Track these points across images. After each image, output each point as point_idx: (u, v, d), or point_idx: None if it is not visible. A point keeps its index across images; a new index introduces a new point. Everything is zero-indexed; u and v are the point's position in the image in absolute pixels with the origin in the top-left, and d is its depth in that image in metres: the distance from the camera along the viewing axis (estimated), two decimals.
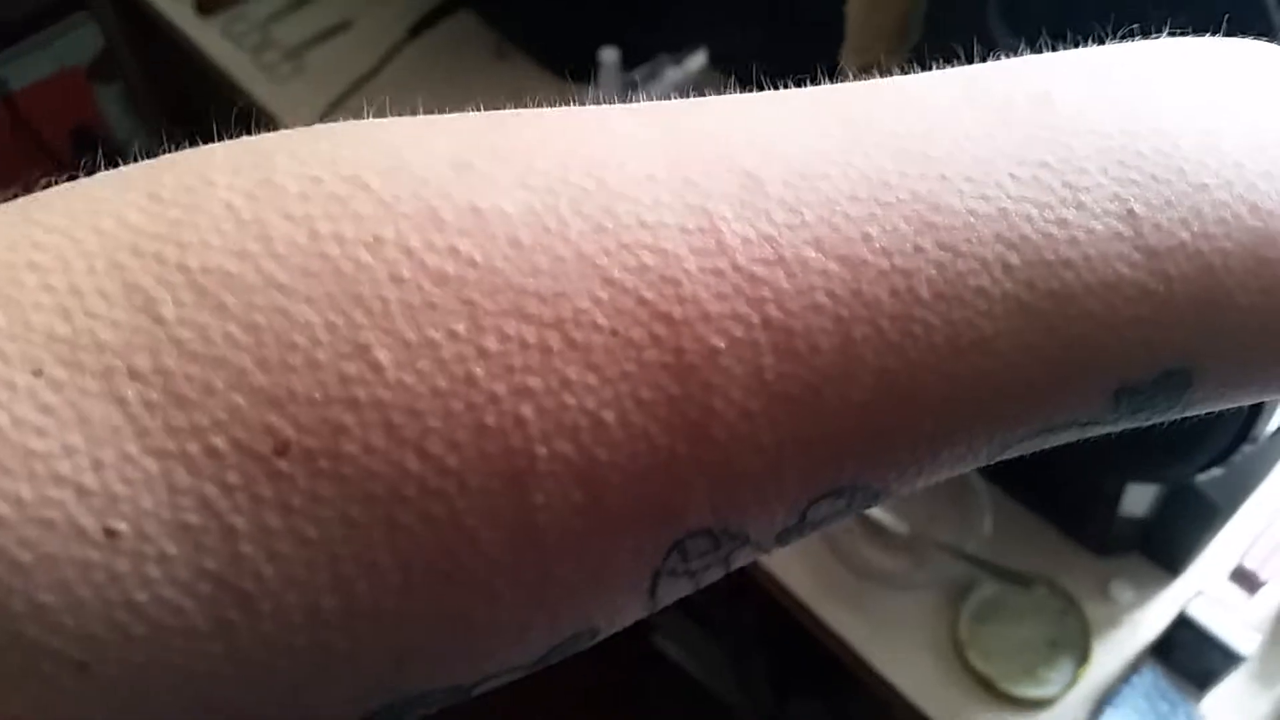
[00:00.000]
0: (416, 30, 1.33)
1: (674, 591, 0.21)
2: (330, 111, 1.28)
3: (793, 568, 0.97)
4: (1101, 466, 0.85)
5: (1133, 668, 0.92)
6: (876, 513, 0.97)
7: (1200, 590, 0.93)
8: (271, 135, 0.20)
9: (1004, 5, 0.75)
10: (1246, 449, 0.75)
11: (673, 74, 1.19)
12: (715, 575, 0.21)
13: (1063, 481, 0.93)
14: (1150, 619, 0.94)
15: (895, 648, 0.94)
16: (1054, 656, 0.93)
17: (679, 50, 1.21)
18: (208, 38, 1.39)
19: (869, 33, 0.70)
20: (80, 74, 2.04)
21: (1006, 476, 0.98)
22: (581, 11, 1.23)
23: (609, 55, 1.14)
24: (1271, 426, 0.76)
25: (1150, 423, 0.23)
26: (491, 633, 0.19)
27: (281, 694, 0.18)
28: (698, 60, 1.20)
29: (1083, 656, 0.92)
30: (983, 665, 0.92)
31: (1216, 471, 0.79)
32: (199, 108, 1.62)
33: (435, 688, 0.20)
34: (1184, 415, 0.24)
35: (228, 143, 0.20)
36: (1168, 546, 0.95)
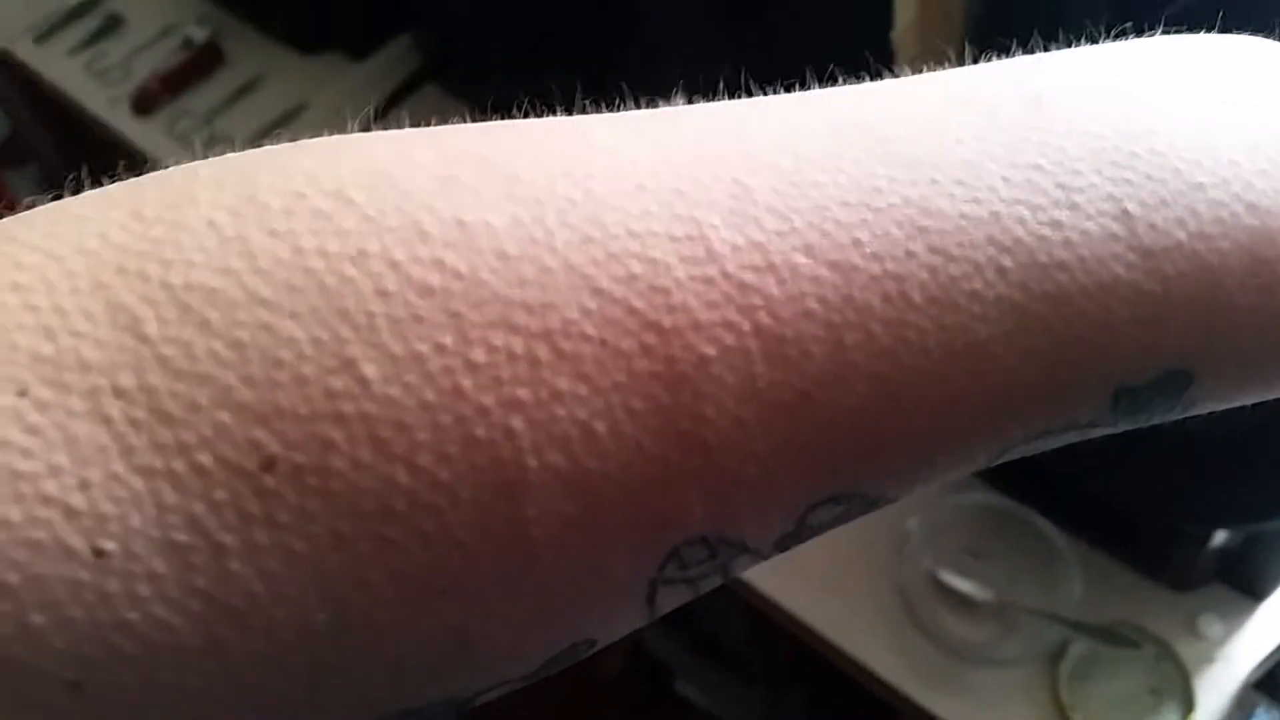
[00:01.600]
0: (382, 112, 1.26)
1: (673, 600, 0.21)
2: None
3: (879, 651, 0.94)
4: (1196, 512, 0.83)
5: (1239, 705, 0.90)
6: (958, 582, 0.94)
7: None
8: (255, 151, 0.20)
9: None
10: None
11: None
12: (714, 583, 0.21)
13: (1146, 525, 0.91)
14: (1244, 650, 0.93)
15: None
16: (1159, 705, 0.91)
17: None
18: (150, 140, 1.31)
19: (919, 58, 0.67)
20: None
21: (1085, 524, 0.96)
22: (553, 71, 1.18)
23: None
24: None
25: (1150, 424, 0.23)
26: (487, 645, 0.19)
27: (276, 711, 0.18)
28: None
29: (1186, 700, 0.90)
30: None
31: None
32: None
33: (432, 701, 0.20)
34: (1184, 415, 0.24)
35: (210, 160, 0.20)
36: (1248, 574, 0.93)
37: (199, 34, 1.36)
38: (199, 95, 1.34)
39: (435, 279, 0.18)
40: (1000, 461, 0.23)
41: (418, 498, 0.17)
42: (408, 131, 0.21)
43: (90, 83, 1.36)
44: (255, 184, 0.19)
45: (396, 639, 0.18)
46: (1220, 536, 0.87)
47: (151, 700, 0.17)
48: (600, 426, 0.18)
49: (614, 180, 0.20)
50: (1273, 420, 0.72)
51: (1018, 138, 0.21)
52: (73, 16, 1.41)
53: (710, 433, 0.19)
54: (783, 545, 0.21)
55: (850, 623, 0.96)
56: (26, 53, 1.39)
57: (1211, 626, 0.94)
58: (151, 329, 0.17)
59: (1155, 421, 0.23)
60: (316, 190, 0.18)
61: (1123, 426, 0.23)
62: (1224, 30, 0.26)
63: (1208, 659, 0.93)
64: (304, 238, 0.18)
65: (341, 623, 0.18)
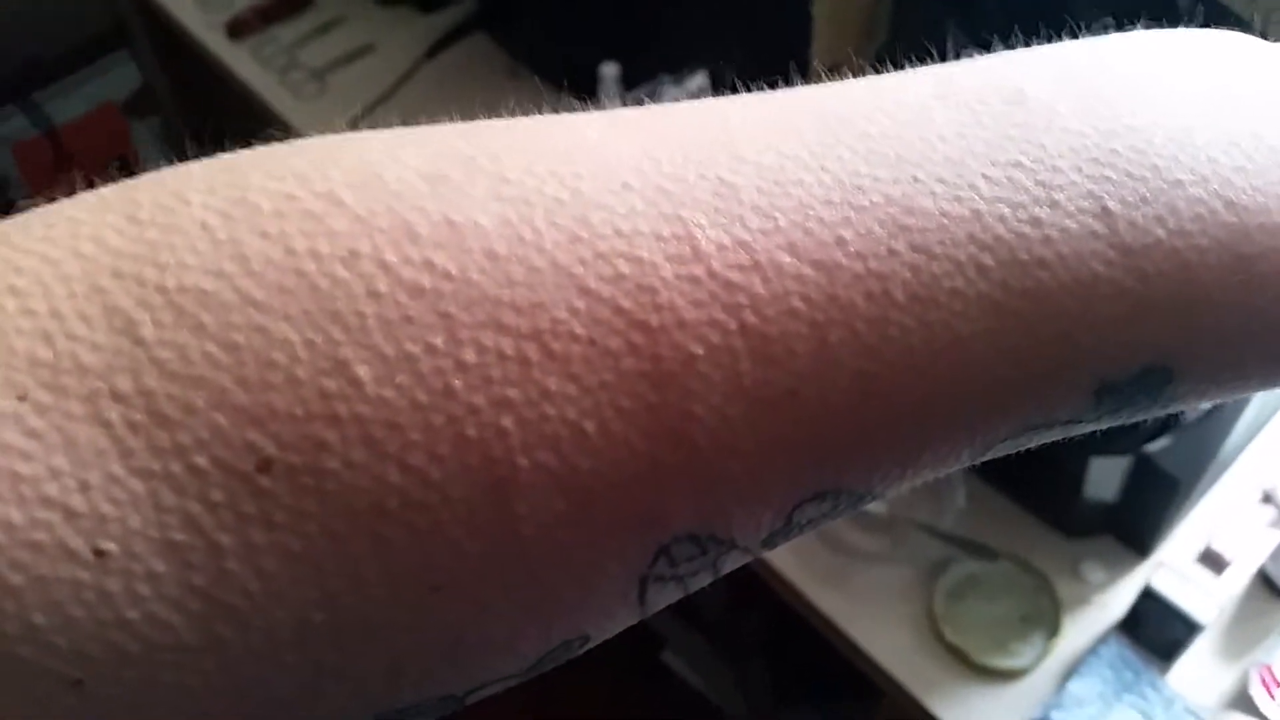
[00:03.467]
0: (433, 52, 1.41)
1: (663, 597, 0.21)
2: (353, 128, 1.35)
3: (779, 550, 1.02)
4: (1060, 443, 0.90)
5: (1101, 641, 0.96)
6: None
7: (1162, 563, 0.97)
8: (246, 152, 0.20)
9: (962, 9, 0.81)
10: (1188, 415, 0.79)
11: (673, 93, 1.25)
12: (704, 580, 0.21)
13: (1030, 462, 0.97)
14: (1120, 598, 0.99)
15: (875, 623, 0.99)
16: (1026, 631, 0.97)
17: (679, 71, 1.28)
18: (238, 61, 1.48)
19: (834, 30, 0.76)
20: (117, 110, 2.13)
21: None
22: (585, 31, 1.31)
23: (609, 70, 1.21)
24: None
25: (1133, 420, 0.23)
26: (481, 643, 0.19)
27: (274, 707, 0.18)
28: (697, 81, 1.27)
29: (1053, 631, 0.96)
30: (956, 638, 0.96)
31: (1166, 441, 0.83)
32: (233, 136, 1.70)
33: (427, 698, 0.20)
34: (1166, 411, 0.24)
35: (204, 160, 0.20)
36: (1136, 527, 0.99)
37: None
38: (286, 28, 1.51)
39: (426, 280, 0.18)
40: (986, 458, 0.23)
41: (410, 496, 0.18)
42: (398, 131, 0.21)
43: (196, 10, 1.53)
44: (246, 185, 0.19)
45: (392, 636, 0.18)
46: (1102, 475, 0.94)
47: (152, 698, 0.17)
48: (589, 425, 0.18)
49: (601, 179, 0.20)
50: None
51: (999, 135, 0.21)
52: None
53: (698, 430, 0.19)
54: (771, 542, 0.21)
55: None
56: None
57: (1094, 573, 1.00)
58: (148, 332, 0.17)
59: (1139, 417, 0.23)
60: (307, 191, 0.19)
61: (1105, 423, 0.23)
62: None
63: (1084, 600, 0.99)
64: (295, 239, 0.18)
65: (338, 621, 0.18)
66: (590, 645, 0.21)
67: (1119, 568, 1.00)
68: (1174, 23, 0.26)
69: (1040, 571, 0.99)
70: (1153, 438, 0.82)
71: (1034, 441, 0.23)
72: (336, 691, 0.19)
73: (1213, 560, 1.00)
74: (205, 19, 1.51)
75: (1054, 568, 1.00)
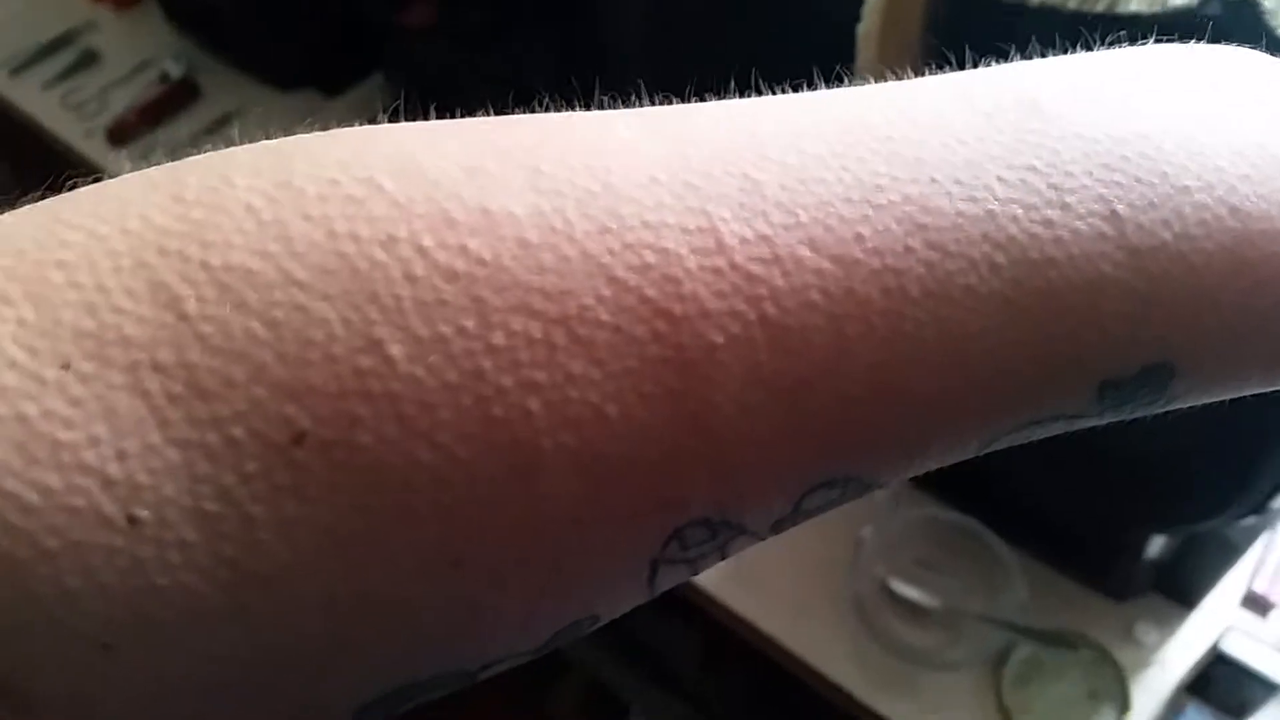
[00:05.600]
0: None
1: (672, 579, 0.21)
2: None
3: (833, 657, 0.98)
4: (1134, 521, 0.88)
5: (1171, 707, 0.95)
6: (908, 590, 0.99)
7: (1230, 626, 0.96)
8: (289, 140, 0.21)
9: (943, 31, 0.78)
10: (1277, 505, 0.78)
11: None
12: (712, 562, 0.22)
13: (1087, 536, 0.96)
14: (1177, 655, 0.97)
15: None
16: (1097, 707, 0.95)
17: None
18: (125, 170, 1.34)
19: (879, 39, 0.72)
20: None
21: (1029, 536, 1.00)
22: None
23: None
24: None
25: (1134, 416, 0.24)
26: (498, 618, 0.20)
27: (297, 675, 0.19)
28: None
29: (1123, 703, 0.95)
30: None
31: (1251, 520, 0.82)
32: None
33: (443, 671, 0.20)
34: (1166, 408, 0.25)
35: (248, 145, 0.20)
36: (1184, 584, 0.98)
37: (175, 69, 1.41)
38: (175, 127, 1.38)
39: (460, 264, 0.19)
40: (990, 449, 0.23)
41: (438, 473, 0.18)
42: (434, 124, 0.21)
43: (66, 115, 1.39)
44: (291, 170, 0.19)
45: (412, 610, 0.19)
46: (1156, 544, 0.92)
47: (178, 663, 0.17)
48: (612, 409, 0.19)
49: (631, 173, 0.20)
50: (1199, 432, 0.77)
51: (1014, 140, 0.22)
52: (48, 51, 1.45)
53: (716, 416, 0.20)
54: (779, 527, 0.22)
55: (805, 630, 1.00)
56: (2, 84, 1.42)
57: (1148, 634, 0.99)
58: (191, 307, 0.18)
59: (1139, 414, 0.24)
60: (349, 177, 0.19)
61: (1108, 418, 0.24)
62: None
63: (1143, 664, 0.97)
64: (337, 222, 0.19)
65: (363, 592, 0.18)
66: (599, 624, 0.22)
67: (1169, 624, 0.99)
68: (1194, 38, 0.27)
69: (1098, 643, 0.97)
70: (1242, 517, 0.80)
71: (1037, 435, 0.24)
72: (357, 660, 0.19)
73: (1256, 603, 0.99)
74: (82, 127, 1.37)
75: (1107, 635, 0.98)
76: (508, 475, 0.18)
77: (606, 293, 0.19)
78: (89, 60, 1.44)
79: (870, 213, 0.21)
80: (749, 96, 0.24)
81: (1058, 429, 0.23)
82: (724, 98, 0.24)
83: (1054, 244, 0.21)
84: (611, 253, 0.19)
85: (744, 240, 0.20)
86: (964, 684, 0.97)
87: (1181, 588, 0.99)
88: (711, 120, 0.22)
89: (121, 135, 1.35)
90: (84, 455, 0.16)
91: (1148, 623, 0.99)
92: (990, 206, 0.21)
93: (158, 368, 0.17)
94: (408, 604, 0.19)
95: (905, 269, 0.20)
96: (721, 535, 0.21)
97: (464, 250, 0.19)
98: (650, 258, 0.19)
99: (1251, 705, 0.92)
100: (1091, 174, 0.22)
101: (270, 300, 0.18)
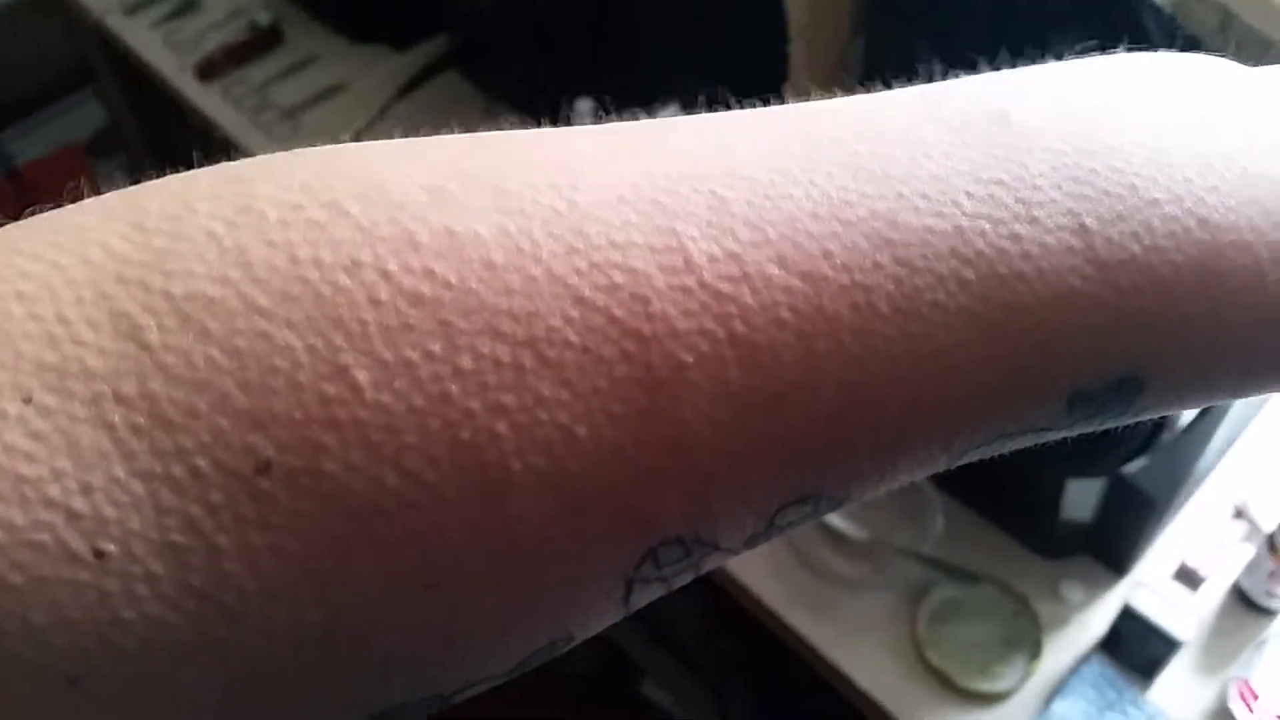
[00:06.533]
0: (405, 91, 1.42)
1: (646, 597, 0.21)
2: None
3: (762, 577, 1.03)
4: (1038, 464, 0.91)
5: (1083, 661, 0.97)
6: (837, 521, 1.03)
7: (1141, 583, 0.98)
8: (251, 161, 0.20)
9: (934, 38, 0.83)
10: (1166, 436, 0.81)
11: None
12: (686, 579, 0.22)
13: (1007, 485, 0.99)
14: (1099, 617, 1.00)
15: (858, 648, 1.00)
16: (1008, 653, 0.98)
17: (653, 106, 1.29)
18: (209, 103, 1.48)
19: (809, 64, 0.78)
20: (80, 151, 2.13)
21: (957, 483, 1.04)
22: (558, 67, 1.32)
23: (583, 106, 1.23)
24: (1187, 415, 0.83)
25: (1104, 427, 0.24)
26: (472, 641, 0.20)
27: (268, 707, 0.19)
28: (669, 112, 1.29)
29: (1035, 652, 0.98)
30: (940, 662, 0.97)
31: (1142, 461, 0.85)
32: None
33: (417, 696, 0.20)
34: (1136, 420, 0.24)
35: (209, 169, 0.20)
36: (1113, 547, 1.01)
37: (264, 17, 1.54)
38: (257, 68, 1.51)
39: (425, 288, 0.18)
40: (960, 463, 0.24)
41: (406, 498, 0.18)
42: (399, 142, 0.21)
43: (165, 52, 1.54)
44: (253, 194, 0.19)
45: (385, 635, 0.19)
46: (1077, 497, 0.95)
47: (148, 695, 0.17)
48: (581, 430, 0.19)
49: (597, 192, 0.20)
50: None
51: (983, 154, 0.22)
52: None
53: (687, 435, 0.20)
54: (752, 543, 0.22)
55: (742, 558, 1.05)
56: (116, 24, 1.58)
57: (1073, 593, 1.02)
58: (153, 337, 0.17)
59: (1109, 425, 0.24)
60: (312, 201, 0.19)
61: (1077, 430, 0.24)
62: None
63: (1063, 620, 1.00)
64: (300, 248, 0.18)
65: (333, 620, 0.18)
66: (573, 644, 0.22)
67: (1097, 587, 1.02)
68: (1149, 48, 0.27)
69: (1020, 593, 1.01)
70: (1129, 459, 0.83)
71: (1007, 447, 0.24)
72: (330, 688, 0.19)
73: (1188, 577, 1.01)
74: (175, 61, 1.52)
75: (1034, 589, 1.01)
76: (477, 498, 0.18)
77: (574, 313, 0.19)
78: (191, 6, 1.59)
79: (839, 229, 0.21)
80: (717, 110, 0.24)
81: (1027, 441, 0.24)
82: (691, 112, 0.24)
83: (1022, 258, 0.21)
84: (579, 273, 0.19)
85: (712, 258, 0.20)
86: (882, 614, 1.01)
87: (1112, 552, 1.01)
88: (679, 136, 0.22)
89: (209, 72, 1.49)
90: (48, 489, 0.16)
91: (1074, 581, 1.02)
92: (958, 221, 0.21)
93: (120, 399, 0.17)
94: (380, 630, 0.19)
95: (874, 285, 0.21)
96: (696, 553, 0.21)
97: (429, 273, 0.19)
98: (618, 277, 0.19)
99: (1157, 663, 0.94)
100: (1060, 187, 0.22)
101: (232, 328, 0.18)
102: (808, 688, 1.07)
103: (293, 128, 1.43)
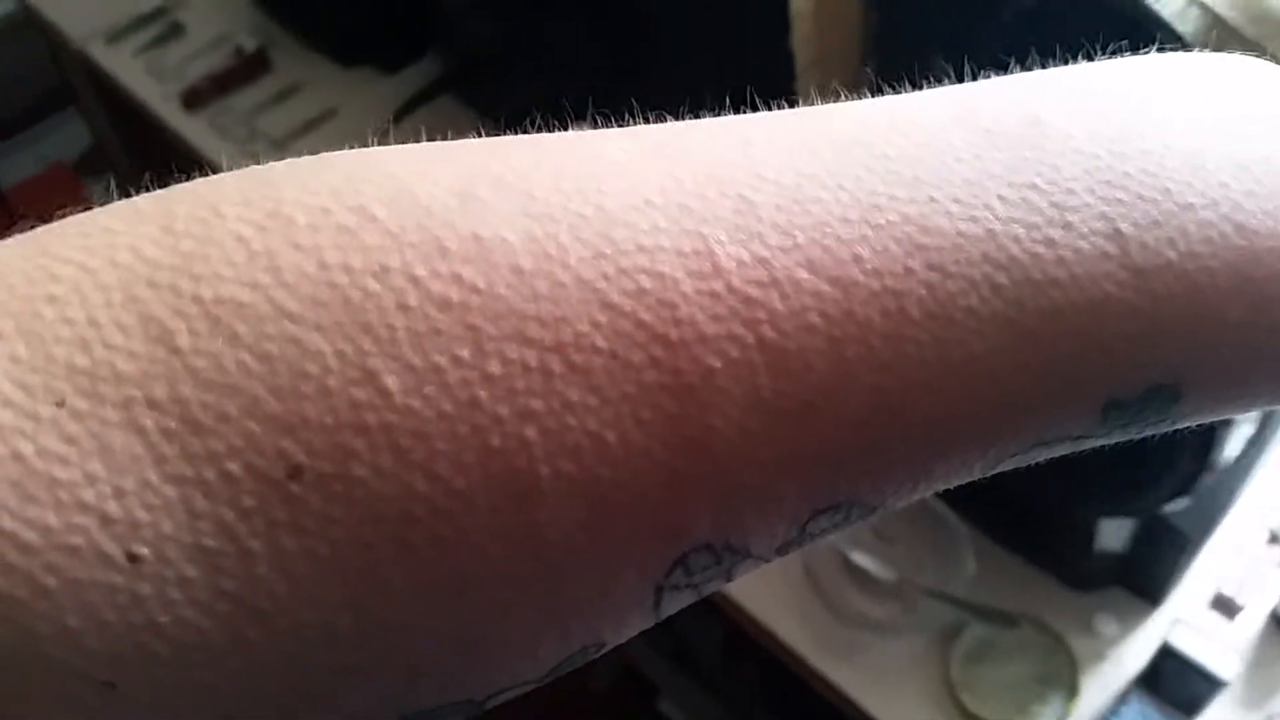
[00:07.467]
0: (399, 116, 1.38)
1: (677, 603, 0.21)
2: None
3: (786, 622, 1.00)
4: (1073, 503, 0.88)
5: (1120, 699, 0.95)
6: (863, 561, 1.01)
7: (1180, 619, 0.96)
8: (279, 165, 0.20)
9: (949, 57, 0.80)
10: (1207, 478, 0.78)
11: None
12: (717, 586, 0.22)
13: (1039, 521, 0.97)
14: (1134, 650, 0.97)
15: (890, 694, 0.97)
16: (1044, 693, 0.96)
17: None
18: (195, 133, 1.44)
19: (816, 71, 0.75)
20: (68, 169, 2.09)
21: (986, 519, 1.01)
22: (555, 90, 1.28)
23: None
24: (1230, 454, 0.80)
25: (1140, 435, 0.24)
26: (502, 647, 0.20)
27: (299, 710, 0.19)
28: None
29: (1071, 691, 0.95)
30: (976, 706, 0.95)
31: (1183, 501, 0.82)
32: None
33: (448, 700, 0.20)
34: (1173, 428, 0.24)
35: (236, 173, 0.20)
36: (1146, 578, 0.98)
37: (250, 42, 1.50)
38: (243, 96, 1.47)
39: (454, 293, 0.18)
40: (995, 471, 0.23)
41: (436, 504, 0.18)
42: (426, 147, 0.21)
43: (148, 80, 1.49)
44: (280, 199, 0.19)
45: (415, 640, 0.19)
46: (1111, 532, 0.93)
47: (180, 699, 0.17)
48: (610, 436, 0.19)
49: (625, 196, 0.20)
50: None
51: (1015, 157, 0.22)
52: (141, 23, 1.56)
53: (717, 441, 0.19)
54: (784, 550, 0.22)
55: (765, 596, 1.03)
56: (98, 52, 1.54)
57: (1107, 626, 0.99)
58: (183, 341, 0.17)
59: (1145, 434, 0.24)
60: (341, 206, 0.19)
61: (1114, 439, 0.24)
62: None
63: (1099, 655, 0.98)
64: (329, 252, 0.18)
65: (363, 624, 0.18)
66: (605, 650, 0.22)
67: (1132, 619, 0.99)
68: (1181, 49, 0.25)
69: (1054, 630, 0.98)
70: (1169, 500, 0.81)
71: (1042, 456, 0.23)
72: (359, 693, 0.19)
73: (1224, 606, 0.99)
74: (160, 89, 1.47)
75: (1067, 624, 0.99)
76: (507, 504, 0.18)
77: (602, 319, 0.19)
78: (175, 32, 1.55)
79: (869, 233, 0.20)
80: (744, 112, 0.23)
81: (1063, 450, 0.23)
82: (719, 114, 0.24)
83: (1056, 264, 0.21)
84: (606, 278, 0.19)
85: (740, 263, 0.20)
86: (914, 657, 0.99)
87: (1144, 583, 0.99)
88: (706, 139, 0.22)
89: (194, 100, 1.45)
90: (82, 493, 0.16)
91: (1108, 615, 0.99)
92: (991, 226, 0.21)
93: (152, 403, 0.17)
94: (410, 634, 0.19)
95: (905, 290, 0.20)
96: (726, 560, 0.21)
97: (457, 279, 0.19)
98: (646, 282, 0.19)
99: (1199, 701, 0.92)
100: (1094, 191, 0.22)
101: (262, 332, 0.18)
102: (828, 712, 1.05)
103: (283, 158, 1.39)
